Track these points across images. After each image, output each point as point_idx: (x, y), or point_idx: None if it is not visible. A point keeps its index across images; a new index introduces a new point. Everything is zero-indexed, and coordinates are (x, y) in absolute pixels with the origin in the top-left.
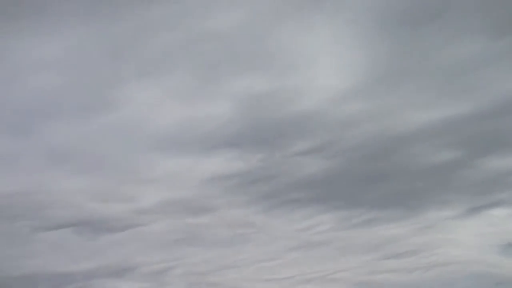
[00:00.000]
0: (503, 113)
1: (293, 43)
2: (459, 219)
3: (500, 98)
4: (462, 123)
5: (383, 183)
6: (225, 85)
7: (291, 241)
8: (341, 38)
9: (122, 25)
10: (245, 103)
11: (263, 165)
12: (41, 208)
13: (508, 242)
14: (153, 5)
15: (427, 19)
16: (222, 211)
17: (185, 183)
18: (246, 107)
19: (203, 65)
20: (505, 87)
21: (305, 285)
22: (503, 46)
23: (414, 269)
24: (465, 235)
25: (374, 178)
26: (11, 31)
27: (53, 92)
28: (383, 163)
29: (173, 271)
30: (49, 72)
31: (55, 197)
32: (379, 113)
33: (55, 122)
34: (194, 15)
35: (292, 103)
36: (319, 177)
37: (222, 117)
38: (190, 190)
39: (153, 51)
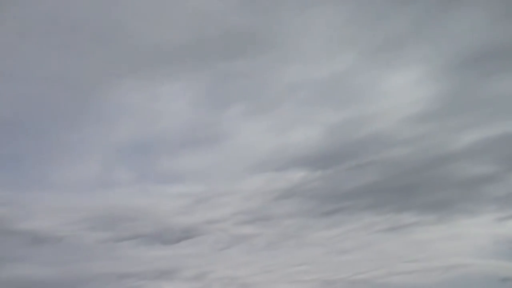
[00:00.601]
0: None
1: (371, 82)
2: (486, 227)
3: None
4: (499, 143)
5: (417, 194)
6: (310, 119)
7: (320, 248)
8: (406, 77)
9: (232, 74)
10: (324, 131)
11: (308, 181)
12: (121, 221)
13: None
14: (257, 56)
15: (476, 61)
16: (268, 222)
17: (252, 197)
18: (324, 134)
19: (296, 104)
20: None
21: (326, 286)
22: None
23: (432, 271)
24: (489, 242)
25: (409, 189)
26: (152, 85)
27: (175, 130)
28: (421, 177)
29: (211, 274)
30: (173, 114)
31: (139, 211)
32: (432, 134)
33: (170, 153)
34: (286, 66)
35: (363, 128)
36: (360, 189)
37: (304, 143)
38: (251, 203)
39: (258, 93)
